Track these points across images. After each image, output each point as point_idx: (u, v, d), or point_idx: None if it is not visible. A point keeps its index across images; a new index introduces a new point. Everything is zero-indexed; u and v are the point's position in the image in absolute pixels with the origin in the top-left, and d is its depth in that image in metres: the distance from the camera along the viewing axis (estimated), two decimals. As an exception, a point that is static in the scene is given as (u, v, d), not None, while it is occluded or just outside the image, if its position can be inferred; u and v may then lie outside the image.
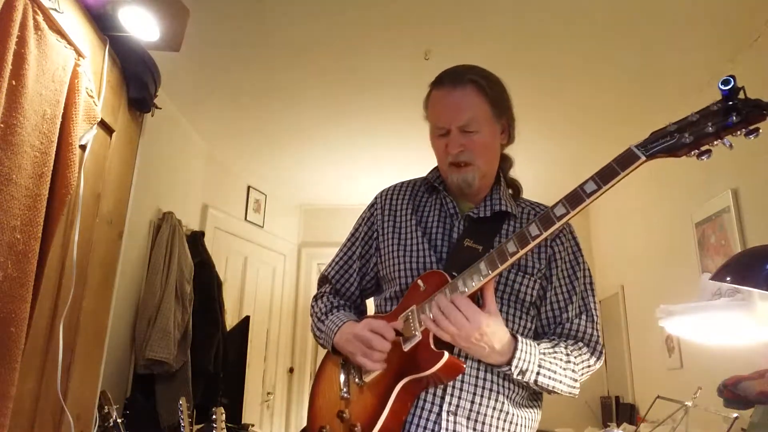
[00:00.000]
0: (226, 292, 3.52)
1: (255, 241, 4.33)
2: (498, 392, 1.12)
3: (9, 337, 1.25)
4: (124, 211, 1.95)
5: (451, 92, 1.19)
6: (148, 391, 2.70)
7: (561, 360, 1.11)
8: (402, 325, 1.12)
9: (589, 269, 1.25)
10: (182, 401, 2.15)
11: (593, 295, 1.22)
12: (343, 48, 2.63)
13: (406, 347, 1.08)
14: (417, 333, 1.07)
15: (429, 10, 2.35)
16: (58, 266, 1.56)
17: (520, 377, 1.06)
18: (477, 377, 1.12)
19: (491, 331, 1.01)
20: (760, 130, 0.82)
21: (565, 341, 1.17)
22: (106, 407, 1.83)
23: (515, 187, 1.33)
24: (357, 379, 1.14)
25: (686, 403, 2.00)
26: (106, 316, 1.86)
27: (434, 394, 1.11)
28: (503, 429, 1.12)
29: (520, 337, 1.06)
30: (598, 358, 1.19)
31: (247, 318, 3.73)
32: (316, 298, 1.37)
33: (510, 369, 1.05)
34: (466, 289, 1.02)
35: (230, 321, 3.59)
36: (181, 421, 2.12)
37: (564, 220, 0.96)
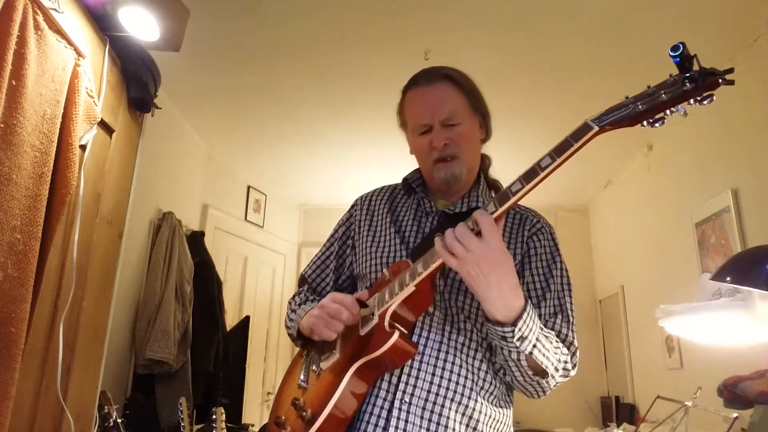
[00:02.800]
0: (226, 292, 3.52)
1: (255, 241, 4.33)
2: (458, 383, 1.07)
3: (9, 337, 1.25)
4: (124, 211, 1.95)
5: (428, 88, 1.20)
6: (148, 391, 2.70)
7: (552, 343, 1.05)
8: (367, 296, 1.11)
9: (566, 271, 1.19)
10: (182, 401, 2.15)
11: (570, 297, 1.16)
12: (343, 48, 2.63)
13: (363, 331, 1.06)
14: (374, 316, 1.05)
15: (429, 10, 2.35)
16: (58, 266, 1.56)
17: (518, 344, 0.97)
18: (435, 366, 1.07)
19: (504, 266, 0.93)
20: (714, 97, 0.82)
21: None
22: (106, 407, 1.83)
23: (497, 188, 1.31)
24: (315, 367, 1.13)
25: (686, 403, 2.00)
26: (106, 316, 1.86)
27: (389, 382, 1.07)
28: (462, 423, 1.05)
29: (528, 300, 0.99)
30: (571, 359, 1.11)
31: (247, 318, 3.73)
32: (293, 295, 1.38)
33: (512, 331, 0.95)
34: (424, 271, 0.99)
35: (230, 321, 3.59)
36: (181, 421, 2.12)
37: (520, 194, 0.93)
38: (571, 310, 1.15)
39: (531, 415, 4.10)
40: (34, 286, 1.35)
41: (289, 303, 1.35)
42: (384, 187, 1.40)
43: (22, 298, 1.29)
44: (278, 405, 1.19)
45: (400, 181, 1.39)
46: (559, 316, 1.13)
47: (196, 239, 3.28)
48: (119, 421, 1.84)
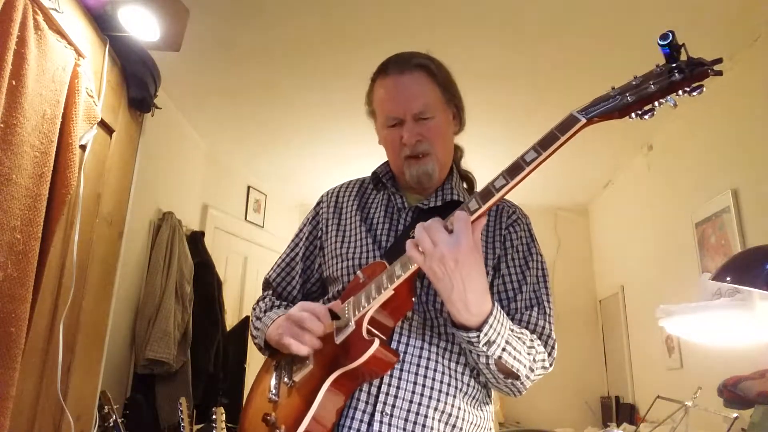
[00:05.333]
0: (226, 292, 3.52)
1: (255, 241, 4.32)
2: (440, 390, 1.02)
3: (9, 337, 1.25)
4: (124, 211, 1.95)
5: (400, 79, 1.12)
6: (148, 391, 2.70)
7: (525, 344, 0.99)
8: (339, 307, 1.03)
9: (543, 262, 1.15)
10: (182, 401, 2.15)
11: (546, 289, 1.12)
12: (344, 48, 2.63)
13: (339, 339, 0.99)
14: (351, 323, 0.98)
15: (429, 9, 2.35)
16: (58, 266, 1.56)
17: (485, 348, 0.92)
18: (417, 373, 1.02)
19: (470, 268, 0.87)
20: (704, 88, 0.79)
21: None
22: (106, 407, 1.83)
23: (469, 179, 1.26)
24: (286, 379, 1.05)
25: (686, 403, 2.00)
26: (106, 316, 1.86)
27: (368, 393, 1.01)
28: None
29: (496, 303, 0.94)
30: (548, 356, 1.06)
31: (247, 318, 3.73)
32: (258, 301, 1.29)
33: (478, 336, 0.91)
34: (403, 273, 0.93)
35: (230, 321, 3.59)
36: (181, 421, 2.12)
37: (504, 191, 0.87)
38: (548, 302, 1.11)
39: (531, 415, 4.10)
40: (34, 286, 1.35)
41: (253, 309, 1.26)
42: (351, 181, 1.32)
43: (22, 298, 1.29)
44: (247, 420, 1.12)
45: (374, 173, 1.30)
46: (536, 308, 1.08)
47: (196, 239, 3.28)
48: (119, 421, 1.84)
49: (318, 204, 1.31)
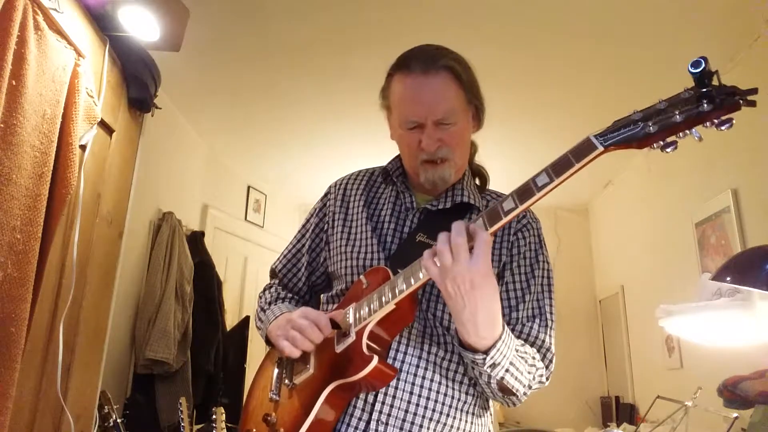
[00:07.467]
0: (226, 292, 3.52)
1: (255, 241, 4.32)
2: (437, 400, 1.02)
3: (9, 337, 1.25)
4: (124, 211, 1.95)
5: (424, 80, 1.05)
6: (148, 391, 2.70)
7: (527, 363, 0.99)
8: (341, 317, 1.03)
9: (549, 270, 1.13)
10: (182, 401, 2.15)
11: (550, 299, 1.10)
12: (343, 48, 2.63)
13: (339, 348, 1.00)
14: (351, 333, 0.98)
15: (430, 8, 2.35)
16: (58, 266, 1.56)
17: (488, 371, 0.93)
18: (414, 384, 1.02)
19: (483, 291, 0.86)
20: (734, 121, 0.72)
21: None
22: (106, 407, 1.83)
23: (481, 175, 1.24)
24: (287, 381, 1.06)
25: (686, 403, 2.00)
26: (106, 316, 1.86)
27: (365, 401, 1.01)
28: None
29: (506, 327, 0.94)
30: (546, 370, 1.05)
31: (247, 318, 3.73)
32: (264, 289, 1.29)
33: (484, 359, 0.91)
34: (405, 288, 0.93)
35: (230, 321, 3.59)
36: (181, 421, 2.12)
37: (512, 215, 0.85)
38: (551, 313, 1.09)
39: (531, 415, 4.10)
40: (34, 286, 1.35)
41: (259, 297, 1.27)
42: (360, 172, 1.29)
43: (22, 298, 1.29)
44: (248, 416, 1.13)
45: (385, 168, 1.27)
46: (537, 320, 1.07)
47: (196, 239, 3.28)
48: (119, 421, 1.84)
49: (326, 195, 1.29)
